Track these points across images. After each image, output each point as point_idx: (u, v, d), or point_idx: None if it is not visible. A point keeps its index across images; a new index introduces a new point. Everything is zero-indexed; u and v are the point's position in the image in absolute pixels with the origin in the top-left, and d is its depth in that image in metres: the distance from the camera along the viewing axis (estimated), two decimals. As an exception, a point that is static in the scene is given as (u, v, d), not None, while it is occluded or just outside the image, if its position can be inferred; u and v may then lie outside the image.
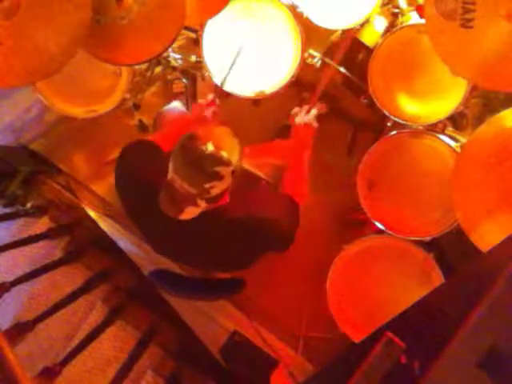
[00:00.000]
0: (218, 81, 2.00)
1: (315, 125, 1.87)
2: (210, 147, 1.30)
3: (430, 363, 0.90)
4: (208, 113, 1.92)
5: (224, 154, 1.31)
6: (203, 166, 1.30)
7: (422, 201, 1.91)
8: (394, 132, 1.91)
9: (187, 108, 2.28)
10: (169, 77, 2.40)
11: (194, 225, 1.42)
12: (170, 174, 1.33)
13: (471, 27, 1.44)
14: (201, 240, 1.53)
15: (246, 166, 1.60)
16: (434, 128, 1.90)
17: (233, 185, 1.37)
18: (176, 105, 2.11)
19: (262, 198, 1.59)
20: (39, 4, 1.54)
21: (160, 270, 1.89)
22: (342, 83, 2.11)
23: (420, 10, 1.87)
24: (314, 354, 2.31)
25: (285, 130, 2.18)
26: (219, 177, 1.31)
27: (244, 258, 1.64)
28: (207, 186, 1.31)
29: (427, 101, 1.90)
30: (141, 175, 1.53)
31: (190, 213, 1.36)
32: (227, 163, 1.31)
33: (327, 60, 2.04)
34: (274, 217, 1.51)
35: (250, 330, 2.29)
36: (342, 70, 2.03)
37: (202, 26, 1.95)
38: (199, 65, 2.22)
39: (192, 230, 1.47)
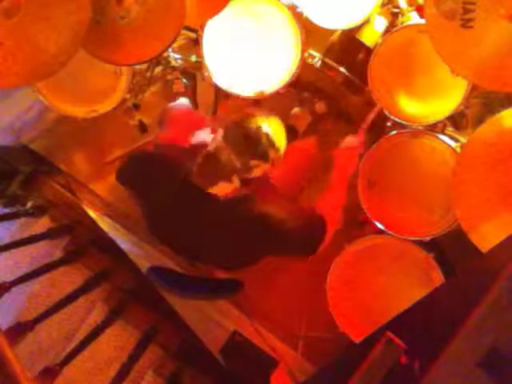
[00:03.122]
0: (217, 81, 2.00)
1: (359, 150, 1.84)
2: (267, 128, 1.32)
3: (429, 363, 0.90)
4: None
5: (276, 138, 1.35)
6: (258, 144, 1.34)
7: (422, 201, 1.91)
8: (393, 132, 1.91)
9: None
10: (169, 77, 2.40)
11: (205, 217, 1.43)
12: (218, 145, 1.35)
13: (471, 27, 1.44)
14: (208, 233, 1.53)
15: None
16: (433, 128, 1.90)
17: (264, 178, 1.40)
18: (183, 102, 2.11)
19: (275, 197, 1.60)
20: (39, 4, 1.53)
21: (159, 267, 1.90)
22: (342, 83, 2.11)
23: (420, 9, 1.87)
24: (314, 353, 2.31)
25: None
26: (267, 158, 1.35)
27: (247, 255, 1.64)
28: (252, 163, 1.33)
29: (427, 101, 1.90)
30: (160, 160, 1.54)
31: (221, 188, 1.38)
32: (277, 148, 1.35)
33: (327, 60, 2.04)
34: (283, 216, 1.49)
35: (249, 330, 2.29)
36: (342, 70, 2.03)
37: (202, 26, 1.95)
38: (199, 65, 2.22)
39: (201, 221, 1.48)
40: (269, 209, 1.48)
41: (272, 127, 1.38)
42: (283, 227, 1.48)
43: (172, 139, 1.69)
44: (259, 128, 1.35)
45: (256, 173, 1.37)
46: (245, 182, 1.38)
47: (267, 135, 1.35)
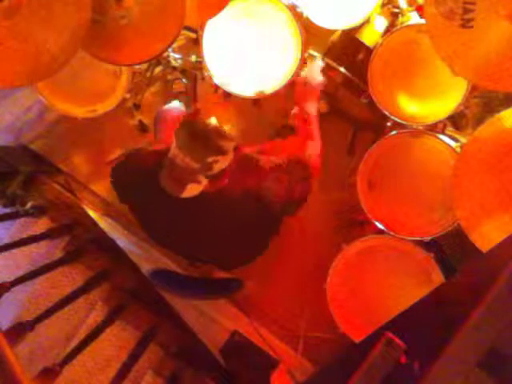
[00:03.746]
0: (217, 81, 2.00)
1: (319, 80, 1.83)
2: (214, 121, 1.31)
3: (429, 363, 0.90)
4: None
5: (226, 128, 1.33)
6: (207, 140, 1.32)
7: (421, 201, 1.91)
8: (393, 132, 1.91)
9: (187, 108, 2.28)
10: (169, 77, 2.40)
11: (196, 212, 1.43)
12: (173, 151, 1.34)
13: (471, 27, 1.44)
14: (205, 228, 1.53)
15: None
16: (433, 128, 1.90)
17: (232, 165, 1.38)
18: (176, 105, 2.12)
19: (258, 173, 1.58)
20: (39, 4, 1.53)
21: (160, 269, 1.90)
22: (342, 83, 2.11)
23: (420, 9, 1.87)
24: (314, 353, 2.31)
25: (285, 130, 2.18)
26: (222, 151, 1.33)
27: (250, 244, 1.64)
28: (210, 160, 1.32)
29: (427, 101, 1.90)
30: (142, 165, 1.53)
31: (191, 190, 1.36)
32: (230, 138, 1.33)
33: (327, 60, 2.04)
34: (274, 190, 1.50)
35: (249, 330, 2.29)
36: (342, 70, 2.03)
37: (202, 26, 1.95)
38: (199, 65, 2.22)
39: (195, 217, 1.48)
40: (260, 190, 1.49)
41: (218, 117, 1.35)
42: (276, 197, 1.51)
43: (164, 142, 1.68)
44: (205, 125, 1.32)
45: (219, 166, 1.34)
46: (215, 177, 1.36)
47: (215, 129, 1.33)
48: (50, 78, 1.73)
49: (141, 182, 1.54)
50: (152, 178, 1.41)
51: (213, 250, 1.65)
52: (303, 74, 1.88)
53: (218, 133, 1.33)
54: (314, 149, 1.71)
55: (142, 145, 1.73)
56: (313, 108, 1.80)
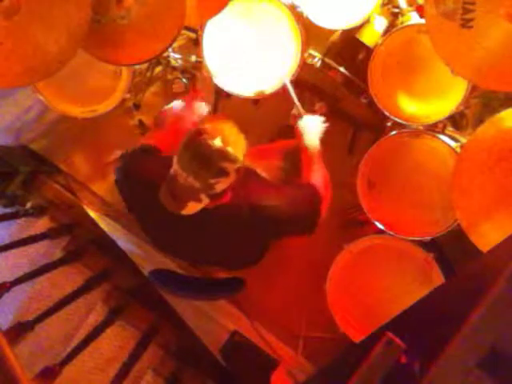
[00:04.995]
0: (217, 81, 2.00)
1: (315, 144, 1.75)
2: (218, 143, 1.30)
3: (429, 363, 0.90)
4: (200, 107, 1.89)
5: (231, 150, 1.31)
6: (210, 162, 1.29)
7: (422, 201, 1.91)
8: (394, 132, 1.91)
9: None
10: (169, 77, 2.40)
11: (198, 221, 1.42)
12: (175, 168, 1.32)
13: (471, 27, 1.44)
14: (206, 236, 1.52)
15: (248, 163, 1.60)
16: (433, 128, 1.90)
17: (236, 182, 1.37)
18: (177, 104, 2.11)
19: (261, 187, 1.58)
20: (39, 4, 1.53)
21: (160, 269, 1.89)
22: (341, 83, 2.11)
23: (420, 9, 1.87)
24: (314, 353, 2.31)
25: (285, 130, 2.18)
26: (225, 173, 1.31)
27: (252, 250, 1.64)
28: (212, 181, 1.30)
29: (427, 101, 1.90)
30: (142, 176, 1.53)
31: (192, 208, 1.35)
32: (234, 160, 1.31)
33: (327, 60, 2.04)
34: (275, 203, 1.49)
35: (249, 330, 2.29)
36: (342, 70, 2.03)
37: (202, 26, 1.95)
38: (199, 65, 2.22)
39: (196, 226, 1.47)
40: (260, 200, 1.48)
41: (224, 138, 1.31)
42: (278, 212, 1.48)
43: (161, 145, 1.67)
44: (210, 146, 1.29)
45: (221, 187, 1.33)
46: (215, 196, 1.35)
47: (219, 151, 1.29)
48: (49, 77, 1.74)
49: (143, 191, 1.53)
50: (153, 188, 1.39)
51: (214, 255, 1.65)
52: (302, 127, 1.78)
53: (222, 154, 1.29)
54: (319, 178, 1.66)
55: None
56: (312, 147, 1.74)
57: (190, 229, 1.50)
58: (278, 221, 1.50)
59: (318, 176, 1.66)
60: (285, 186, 1.68)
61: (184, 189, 1.31)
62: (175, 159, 1.32)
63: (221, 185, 1.32)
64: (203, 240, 1.55)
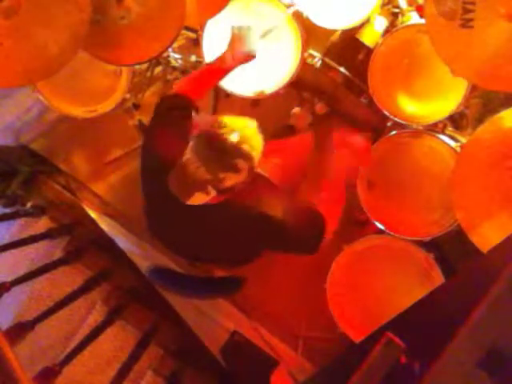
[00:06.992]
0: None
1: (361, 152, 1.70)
2: (234, 138, 1.30)
3: (429, 363, 0.90)
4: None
5: (246, 147, 1.31)
6: (223, 155, 1.30)
7: (422, 201, 1.91)
8: (393, 132, 1.91)
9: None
10: (169, 77, 2.40)
11: (204, 216, 1.43)
12: (188, 155, 1.32)
13: (471, 27, 1.44)
14: (209, 232, 1.52)
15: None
16: (434, 128, 1.90)
17: (247, 183, 1.37)
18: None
19: (273, 196, 1.57)
20: (39, 4, 1.54)
21: (159, 267, 1.89)
22: (341, 83, 2.11)
23: (420, 9, 1.87)
24: (314, 354, 2.31)
25: (285, 129, 2.18)
26: (236, 169, 1.32)
27: (246, 251, 1.63)
28: (222, 175, 1.31)
29: (427, 101, 1.90)
30: (161, 153, 1.50)
31: (198, 199, 1.35)
32: (247, 157, 1.32)
33: (327, 60, 2.04)
34: (283, 217, 1.47)
35: (249, 330, 2.30)
36: (342, 70, 2.02)
37: (202, 26, 1.95)
38: (199, 65, 2.22)
39: (201, 220, 1.47)
40: (267, 208, 1.47)
41: (243, 135, 1.32)
42: (282, 226, 1.47)
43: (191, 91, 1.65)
44: (226, 139, 1.30)
45: (230, 183, 1.33)
46: (222, 191, 1.35)
47: (235, 146, 1.30)
48: (49, 77, 1.74)
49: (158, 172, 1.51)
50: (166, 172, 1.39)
51: (213, 252, 1.65)
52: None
53: (236, 150, 1.30)
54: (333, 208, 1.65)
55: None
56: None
57: (196, 222, 1.50)
58: (280, 235, 1.49)
59: (332, 206, 1.64)
60: (297, 200, 1.67)
61: (193, 178, 1.32)
62: (189, 147, 1.33)
63: (230, 180, 1.33)
64: (205, 235, 1.54)
